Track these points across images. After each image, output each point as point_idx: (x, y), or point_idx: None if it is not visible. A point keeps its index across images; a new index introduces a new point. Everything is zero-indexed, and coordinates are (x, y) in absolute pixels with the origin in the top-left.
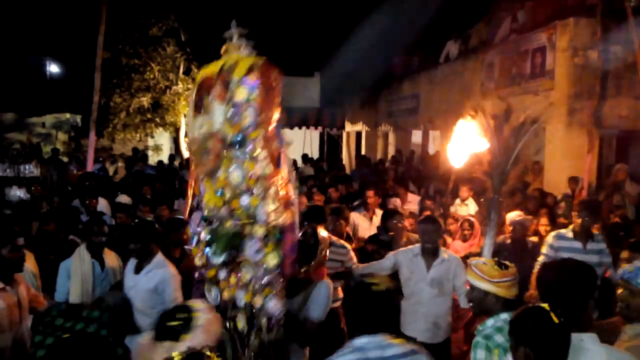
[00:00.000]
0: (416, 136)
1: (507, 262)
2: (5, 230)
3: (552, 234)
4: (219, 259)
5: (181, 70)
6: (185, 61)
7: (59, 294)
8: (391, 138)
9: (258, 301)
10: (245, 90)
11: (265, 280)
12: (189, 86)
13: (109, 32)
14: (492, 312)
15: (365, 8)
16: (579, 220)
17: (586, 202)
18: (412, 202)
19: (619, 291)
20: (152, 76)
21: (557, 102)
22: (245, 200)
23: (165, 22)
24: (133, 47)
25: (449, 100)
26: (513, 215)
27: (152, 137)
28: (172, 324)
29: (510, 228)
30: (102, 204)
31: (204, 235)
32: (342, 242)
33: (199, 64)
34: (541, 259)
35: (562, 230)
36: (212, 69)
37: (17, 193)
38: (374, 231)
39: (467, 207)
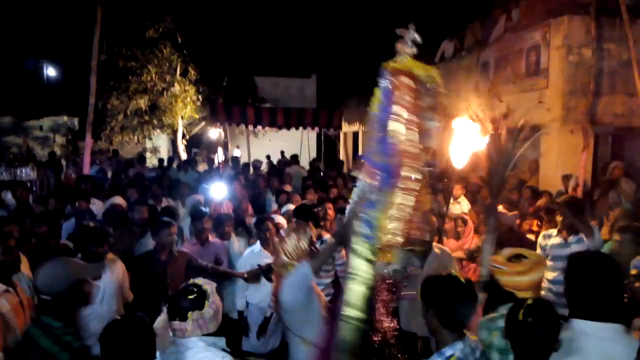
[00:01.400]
0: None
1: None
2: None
3: (541, 234)
4: None
5: (178, 72)
6: (182, 63)
7: None
8: None
9: None
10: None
11: None
12: (186, 88)
13: (105, 35)
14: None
15: (361, 10)
16: (560, 218)
17: (566, 201)
18: None
19: (637, 284)
20: (149, 78)
21: (552, 100)
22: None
23: (162, 24)
24: (130, 50)
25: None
26: None
27: (150, 139)
28: (189, 297)
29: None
30: (98, 206)
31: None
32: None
33: (195, 65)
34: None
35: (549, 230)
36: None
37: None
38: None
39: (459, 205)
